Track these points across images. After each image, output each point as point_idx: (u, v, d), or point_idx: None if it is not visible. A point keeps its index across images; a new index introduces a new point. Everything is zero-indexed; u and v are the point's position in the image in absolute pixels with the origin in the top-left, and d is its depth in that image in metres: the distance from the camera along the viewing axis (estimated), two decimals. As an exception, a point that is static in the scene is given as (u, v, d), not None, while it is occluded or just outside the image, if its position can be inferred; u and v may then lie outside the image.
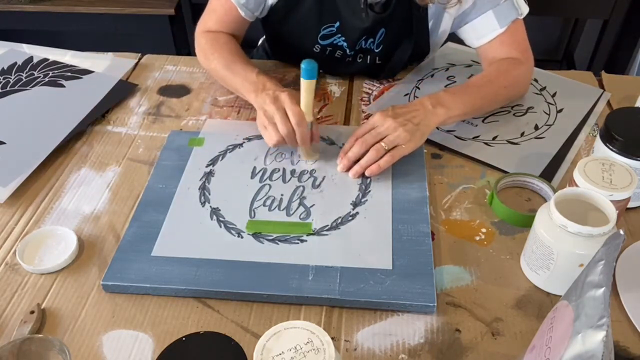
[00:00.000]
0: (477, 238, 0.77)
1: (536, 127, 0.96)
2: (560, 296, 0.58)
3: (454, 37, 1.08)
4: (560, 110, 1.00)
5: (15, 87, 1.05)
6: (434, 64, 1.13)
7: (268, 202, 0.80)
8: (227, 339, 0.52)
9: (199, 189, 0.83)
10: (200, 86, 1.07)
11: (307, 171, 0.86)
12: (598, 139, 0.79)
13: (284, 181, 0.84)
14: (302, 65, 0.79)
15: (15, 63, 1.12)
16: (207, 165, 0.87)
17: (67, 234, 0.77)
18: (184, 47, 2.05)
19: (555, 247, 0.65)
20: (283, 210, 0.79)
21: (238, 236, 0.76)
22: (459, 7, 0.97)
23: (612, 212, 0.64)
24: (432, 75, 1.09)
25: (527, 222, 0.75)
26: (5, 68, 1.10)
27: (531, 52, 1.00)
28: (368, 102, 1.03)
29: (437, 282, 0.71)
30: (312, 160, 0.87)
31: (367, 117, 0.99)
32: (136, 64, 1.14)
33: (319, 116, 0.99)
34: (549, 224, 0.66)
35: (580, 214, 0.67)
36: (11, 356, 0.55)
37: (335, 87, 1.07)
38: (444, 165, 0.89)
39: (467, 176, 0.87)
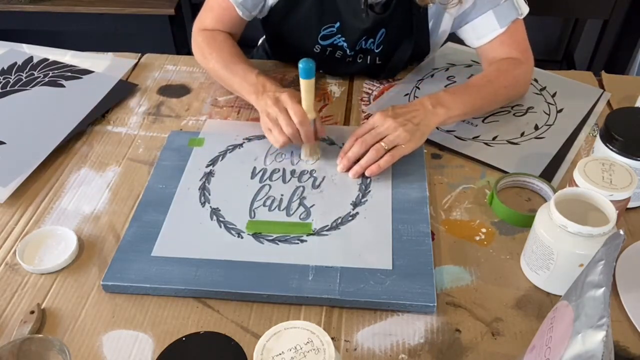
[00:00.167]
0: (477, 238, 0.77)
1: (536, 127, 0.96)
2: (560, 296, 0.57)
3: (454, 37, 1.08)
4: (560, 110, 1.00)
5: (15, 87, 1.05)
6: (434, 64, 1.13)
7: (268, 202, 0.81)
8: (227, 339, 0.52)
9: (199, 189, 0.83)
10: (200, 86, 1.07)
11: (307, 171, 0.86)
12: (598, 139, 0.79)
13: (284, 181, 0.84)
14: (300, 65, 0.79)
15: (15, 63, 1.12)
16: (207, 166, 0.87)
17: (67, 234, 0.77)
18: (184, 47, 2.05)
19: (555, 247, 0.65)
20: (283, 210, 0.79)
21: (238, 236, 0.76)
22: (459, 7, 0.97)
23: (612, 212, 0.64)
24: (432, 75, 1.09)
25: (527, 222, 0.75)
26: (5, 68, 1.10)
27: (531, 52, 1.00)
28: (368, 102, 1.03)
29: (437, 282, 0.71)
30: (315, 157, 0.87)
31: (367, 117, 0.99)
32: (136, 64, 1.14)
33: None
34: (549, 224, 0.66)
35: (580, 214, 0.67)
36: (11, 356, 0.55)
37: (335, 87, 1.07)
38: (444, 165, 0.89)
39: (467, 176, 0.87)
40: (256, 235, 0.76)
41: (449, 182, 0.86)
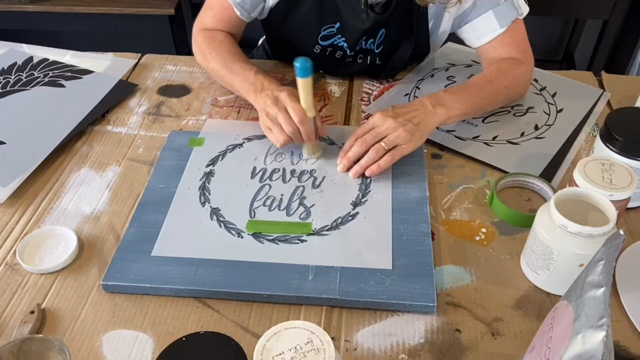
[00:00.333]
0: (477, 238, 0.77)
1: (536, 127, 0.96)
2: (560, 296, 0.57)
3: (454, 37, 1.08)
4: (560, 110, 1.00)
5: (15, 87, 1.05)
6: (434, 64, 1.13)
7: (268, 202, 0.81)
8: (227, 339, 0.52)
9: (199, 189, 0.83)
10: (200, 86, 1.07)
11: (307, 171, 0.86)
12: (598, 139, 0.79)
13: (284, 181, 0.84)
14: (296, 64, 0.79)
15: (15, 63, 1.12)
16: (207, 165, 0.87)
17: (67, 234, 0.77)
18: (184, 47, 2.05)
19: (555, 247, 0.65)
20: (283, 210, 0.79)
21: (238, 236, 0.76)
22: (459, 7, 0.97)
23: (612, 212, 0.64)
24: (432, 75, 1.09)
25: (527, 222, 0.75)
26: (5, 68, 1.10)
27: (531, 52, 1.00)
28: (368, 102, 1.03)
29: (437, 282, 0.71)
30: (317, 156, 0.87)
31: (367, 117, 0.99)
32: (136, 64, 1.14)
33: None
34: (549, 224, 0.66)
35: (580, 214, 0.67)
36: (11, 356, 0.55)
37: (335, 87, 1.07)
38: (444, 165, 0.89)
39: (467, 176, 0.87)
40: (256, 235, 0.76)
41: (449, 182, 0.86)
